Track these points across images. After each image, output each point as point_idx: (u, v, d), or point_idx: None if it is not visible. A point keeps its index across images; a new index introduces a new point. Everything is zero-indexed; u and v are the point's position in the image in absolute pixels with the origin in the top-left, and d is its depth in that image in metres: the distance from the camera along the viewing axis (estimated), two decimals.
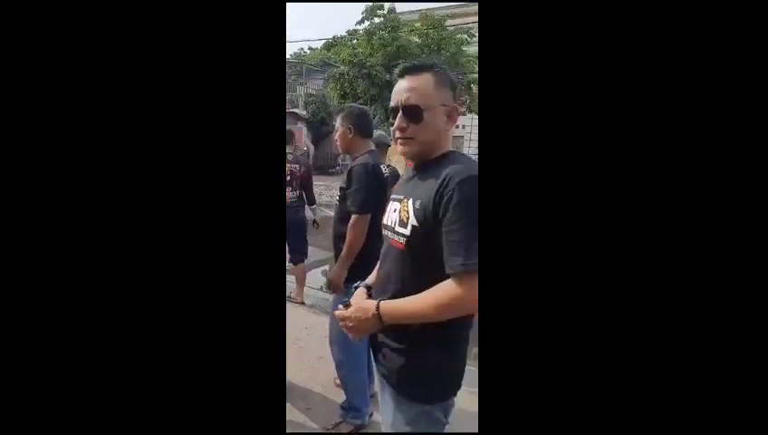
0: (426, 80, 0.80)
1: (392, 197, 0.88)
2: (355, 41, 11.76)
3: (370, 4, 10.88)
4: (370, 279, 0.98)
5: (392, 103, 0.83)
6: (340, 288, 1.50)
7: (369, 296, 0.93)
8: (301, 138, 12.68)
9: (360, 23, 11.29)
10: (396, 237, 0.80)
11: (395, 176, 1.92)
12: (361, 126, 1.57)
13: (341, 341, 1.52)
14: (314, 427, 1.62)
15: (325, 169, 12.26)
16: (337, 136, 1.60)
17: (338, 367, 1.60)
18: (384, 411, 0.88)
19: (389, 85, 10.32)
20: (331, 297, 1.73)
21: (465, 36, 10.97)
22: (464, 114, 12.00)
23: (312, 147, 12.96)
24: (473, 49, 10.85)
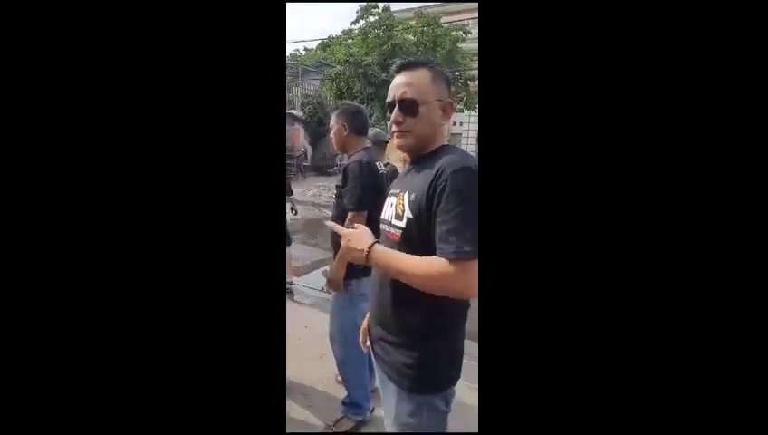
0: (422, 75, 0.82)
1: (390, 192, 0.89)
2: (350, 40, 11.75)
3: (365, 3, 10.87)
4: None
5: (389, 99, 0.85)
6: (340, 286, 1.51)
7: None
8: (298, 139, 12.68)
9: (354, 22, 11.29)
10: (392, 230, 0.81)
11: (393, 173, 1.93)
12: (356, 123, 1.58)
13: (342, 338, 1.54)
14: (316, 423, 1.63)
15: (323, 169, 12.24)
16: (332, 134, 1.61)
17: (339, 364, 1.61)
18: (386, 405, 0.88)
19: (386, 84, 10.29)
20: (330, 297, 1.74)
21: (461, 33, 10.96)
22: (460, 111, 11.99)
23: (309, 148, 12.95)
24: (468, 46, 10.84)
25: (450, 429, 0.84)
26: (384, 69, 10.03)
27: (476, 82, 10.25)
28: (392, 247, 0.79)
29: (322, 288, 3.09)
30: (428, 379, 0.80)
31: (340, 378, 1.72)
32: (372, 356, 0.93)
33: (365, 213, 1.44)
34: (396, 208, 0.81)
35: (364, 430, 1.60)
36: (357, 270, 1.49)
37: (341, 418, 1.60)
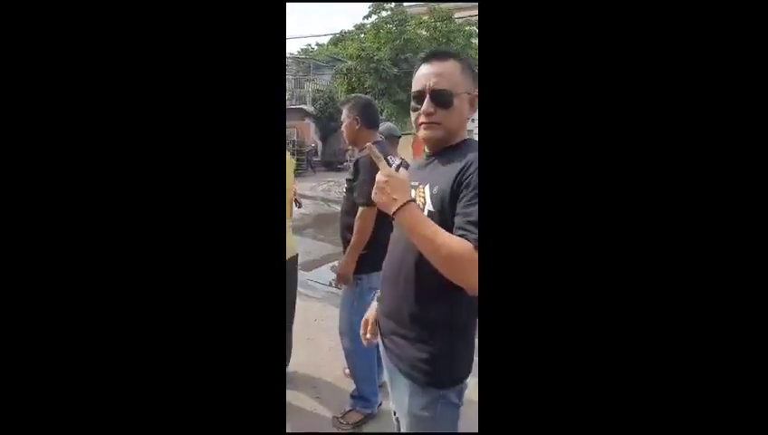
0: (453, 65, 0.80)
1: None
2: (362, 35, 11.70)
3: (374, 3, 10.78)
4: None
5: (417, 88, 0.81)
6: (349, 280, 1.51)
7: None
8: (309, 134, 12.70)
9: (367, 17, 11.23)
10: None
11: (406, 168, 1.91)
12: (368, 117, 1.57)
13: (352, 332, 1.54)
14: (324, 415, 1.65)
15: (333, 164, 12.26)
16: (343, 127, 1.60)
17: (347, 357, 1.62)
18: (397, 399, 0.88)
19: (397, 79, 10.30)
20: (339, 291, 1.74)
21: (474, 28, 10.83)
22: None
23: (319, 143, 12.97)
24: None
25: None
26: (396, 64, 9.97)
27: None
28: (407, 240, 0.77)
29: (331, 283, 3.11)
30: (443, 373, 0.80)
31: (348, 371, 1.73)
32: (381, 350, 0.93)
33: (375, 208, 1.43)
34: (415, 200, 0.79)
35: (372, 422, 1.60)
36: (367, 264, 1.49)
37: (349, 411, 1.61)
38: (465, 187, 0.71)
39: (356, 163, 1.50)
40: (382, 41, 10.65)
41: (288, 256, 1.77)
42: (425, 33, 10.78)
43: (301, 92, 12.95)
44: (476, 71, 0.83)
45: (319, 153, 12.69)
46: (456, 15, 10.84)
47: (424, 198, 0.77)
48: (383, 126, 2.05)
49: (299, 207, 3.27)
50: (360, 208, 1.45)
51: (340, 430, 1.57)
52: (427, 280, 0.76)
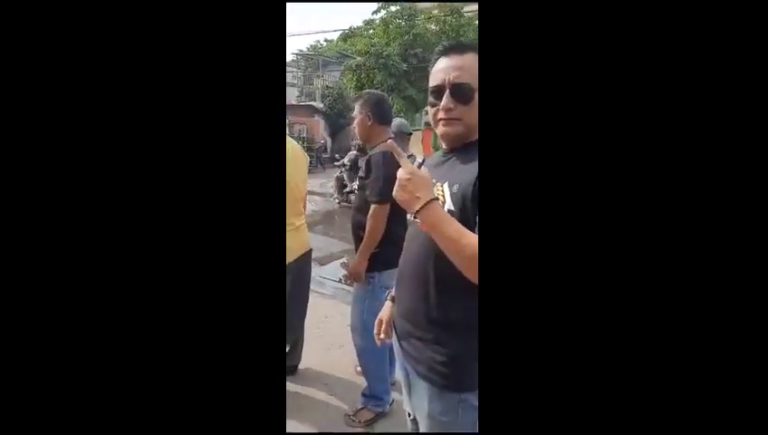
0: (472, 59, 0.76)
1: None
2: (371, 31, 11.64)
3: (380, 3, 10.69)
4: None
5: (436, 82, 0.78)
6: (361, 278, 1.50)
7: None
8: (318, 130, 12.72)
9: (376, 12, 11.17)
10: None
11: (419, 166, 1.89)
12: (380, 113, 1.56)
13: (363, 329, 1.54)
14: (337, 409, 1.65)
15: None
16: (355, 124, 1.59)
17: (359, 354, 1.61)
18: (416, 403, 0.86)
19: (406, 75, 10.24)
20: (350, 288, 1.74)
21: None
22: None
23: (329, 139, 12.99)
24: None
25: None
26: (405, 60, 9.90)
27: None
28: (426, 240, 0.75)
29: (340, 279, 3.11)
30: (463, 376, 0.77)
31: (359, 368, 1.73)
32: (397, 351, 0.91)
33: (387, 205, 1.42)
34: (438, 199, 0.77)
35: (383, 420, 1.60)
36: (380, 262, 1.48)
37: (361, 409, 1.61)
38: None
39: (368, 161, 1.49)
40: (391, 36, 10.58)
41: (303, 251, 1.78)
42: (434, 27, 10.68)
43: (310, 89, 12.96)
44: None
45: (328, 150, 12.71)
46: (466, 9, 10.71)
47: (443, 196, 0.75)
48: (394, 122, 2.03)
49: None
50: (373, 206, 1.43)
51: (352, 428, 1.57)
52: (446, 281, 0.74)
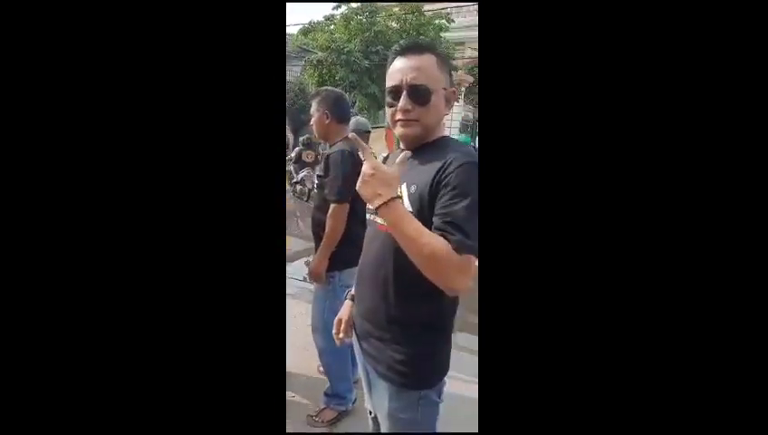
0: (430, 60, 0.77)
1: None
2: (332, 26, 11.46)
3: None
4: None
5: (393, 82, 0.78)
6: (322, 278, 1.49)
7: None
8: None
9: (336, 7, 11.01)
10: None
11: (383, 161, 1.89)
12: (339, 111, 1.54)
13: (324, 329, 1.52)
14: (298, 413, 1.63)
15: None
16: (313, 121, 1.57)
17: (321, 354, 1.60)
18: (376, 401, 0.87)
19: (368, 72, 10.19)
20: (312, 287, 1.72)
21: (444, 22, 10.88)
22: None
23: (291, 136, 12.67)
24: (452, 35, 10.76)
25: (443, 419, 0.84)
26: (366, 56, 9.86)
27: (459, 72, 10.23)
28: (386, 240, 0.75)
29: (305, 278, 3.06)
30: (423, 374, 0.79)
31: (322, 368, 1.71)
32: (357, 351, 0.92)
33: (347, 204, 1.42)
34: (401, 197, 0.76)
35: (347, 419, 1.60)
36: (340, 261, 1.48)
37: (324, 408, 1.60)
38: (445, 186, 0.69)
39: (326, 159, 1.47)
40: (353, 32, 10.49)
41: None
42: (395, 25, 10.72)
43: None
44: (452, 65, 0.82)
45: (290, 146, 12.40)
46: (426, 8, 10.84)
47: (401, 196, 0.75)
48: (352, 120, 2.02)
49: None
50: (332, 206, 1.42)
51: (314, 429, 1.56)
52: (405, 280, 0.75)
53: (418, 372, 0.78)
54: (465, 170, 0.69)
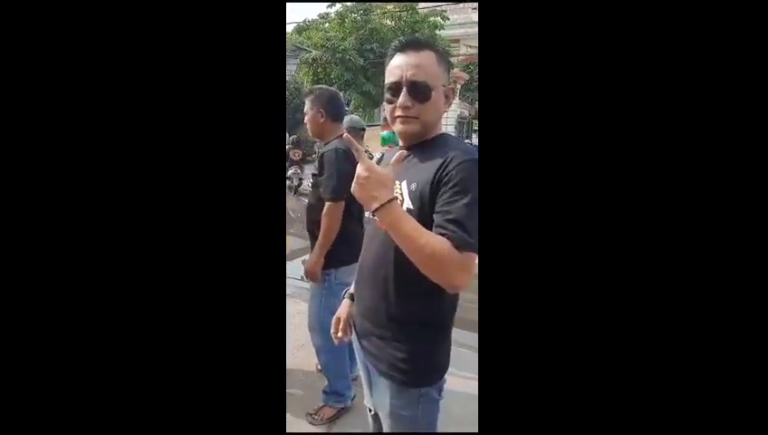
0: (429, 57, 0.76)
1: None
2: (327, 24, 11.43)
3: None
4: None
5: (392, 79, 0.77)
6: (317, 276, 1.49)
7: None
8: None
9: (331, 5, 10.98)
10: None
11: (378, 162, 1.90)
12: (333, 109, 1.54)
13: (321, 327, 1.53)
14: (298, 412, 1.63)
15: (305, 160, 11.98)
16: (307, 120, 1.56)
17: (318, 352, 1.60)
18: (377, 400, 0.87)
19: (364, 70, 10.17)
20: (308, 286, 1.72)
21: (439, 19, 10.87)
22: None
23: (286, 135, 12.63)
24: (447, 32, 10.75)
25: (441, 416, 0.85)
26: (361, 54, 9.83)
27: (455, 70, 10.21)
28: (386, 239, 0.74)
29: (302, 277, 3.06)
30: (424, 372, 0.79)
31: (320, 367, 1.71)
32: (357, 349, 0.91)
33: (342, 202, 1.42)
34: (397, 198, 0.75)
35: (346, 417, 1.61)
36: (336, 260, 1.48)
37: (322, 406, 1.61)
38: (445, 184, 0.69)
39: (321, 158, 1.47)
40: (347, 30, 10.45)
41: None
42: (390, 22, 10.70)
43: None
44: (450, 61, 0.82)
45: (286, 145, 12.38)
46: (421, 6, 10.83)
47: (401, 194, 0.75)
48: (346, 119, 2.02)
49: None
50: (327, 204, 1.42)
51: (314, 426, 1.56)
52: (405, 279, 0.75)
53: (419, 369, 0.79)
54: (466, 168, 0.69)
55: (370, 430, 0.98)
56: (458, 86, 10.50)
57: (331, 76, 9.95)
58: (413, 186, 0.74)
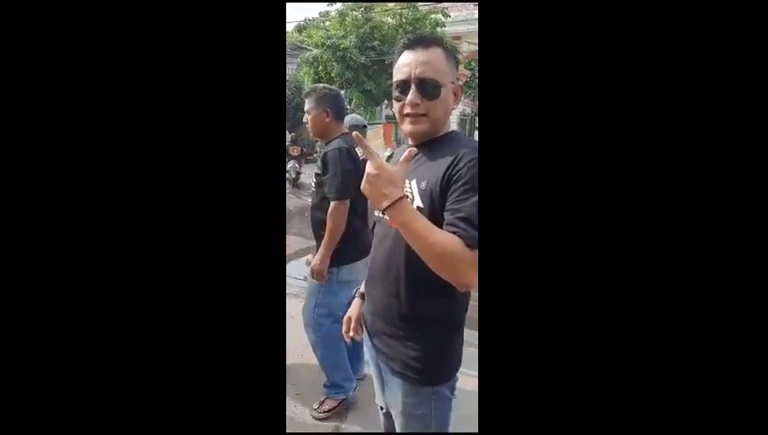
0: (438, 54, 0.76)
1: None
2: (327, 22, 11.40)
3: None
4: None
5: (401, 76, 0.76)
6: (324, 275, 1.50)
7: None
8: None
9: (331, 4, 10.96)
10: None
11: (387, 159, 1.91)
12: (338, 109, 1.55)
13: (315, 323, 1.54)
14: (304, 410, 1.65)
15: (303, 156, 11.97)
16: (309, 119, 1.57)
17: (313, 348, 1.62)
18: (390, 399, 0.87)
19: (365, 68, 10.13)
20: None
21: (440, 16, 10.82)
22: None
23: (288, 134, 12.62)
24: (449, 29, 10.70)
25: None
26: (362, 53, 9.81)
27: (459, 67, 10.16)
28: (397, 237, 0.73)
29: (305, 277, 3.06)
30: (436, 370, 0.79)
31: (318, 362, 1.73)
32: (368, 348, 0.91)
33: (347, 201, 1.43)
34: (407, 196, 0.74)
35: (354, 413, 1.62)
36: (340, 258, 1.49)
37: (324, 400, 1.62)
38: (455, 182, 0.69)
39: (324, 157, 1.48)
40: (348, 28, 10.42)
41: None
42: (391, 20, 10.66)
43: None
44: (458, 59, 0.80)
45: (287, 144, 12.37)
46: (421, 4, 10.78)
47: (411, 193, 0.74)
48: (347, 118, 2.03)
49: None
50: (333, 203, 1.43)
51: (319, 420, 1.57)
52: (416, 278, 0.75)
53: (432, 368, 0.79)
54: (476, 166, 0.68)
55: (381, 428, 0.99)
56: (460, 83, 10.45)
57: (332, 74, 9.93)
58: (423, 184, 0.74)
